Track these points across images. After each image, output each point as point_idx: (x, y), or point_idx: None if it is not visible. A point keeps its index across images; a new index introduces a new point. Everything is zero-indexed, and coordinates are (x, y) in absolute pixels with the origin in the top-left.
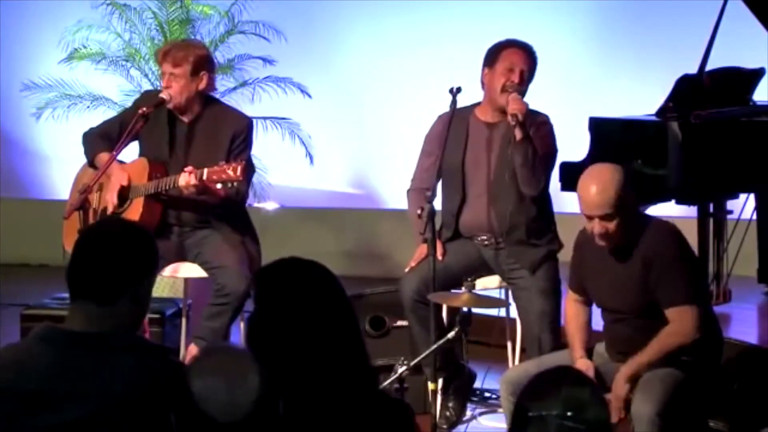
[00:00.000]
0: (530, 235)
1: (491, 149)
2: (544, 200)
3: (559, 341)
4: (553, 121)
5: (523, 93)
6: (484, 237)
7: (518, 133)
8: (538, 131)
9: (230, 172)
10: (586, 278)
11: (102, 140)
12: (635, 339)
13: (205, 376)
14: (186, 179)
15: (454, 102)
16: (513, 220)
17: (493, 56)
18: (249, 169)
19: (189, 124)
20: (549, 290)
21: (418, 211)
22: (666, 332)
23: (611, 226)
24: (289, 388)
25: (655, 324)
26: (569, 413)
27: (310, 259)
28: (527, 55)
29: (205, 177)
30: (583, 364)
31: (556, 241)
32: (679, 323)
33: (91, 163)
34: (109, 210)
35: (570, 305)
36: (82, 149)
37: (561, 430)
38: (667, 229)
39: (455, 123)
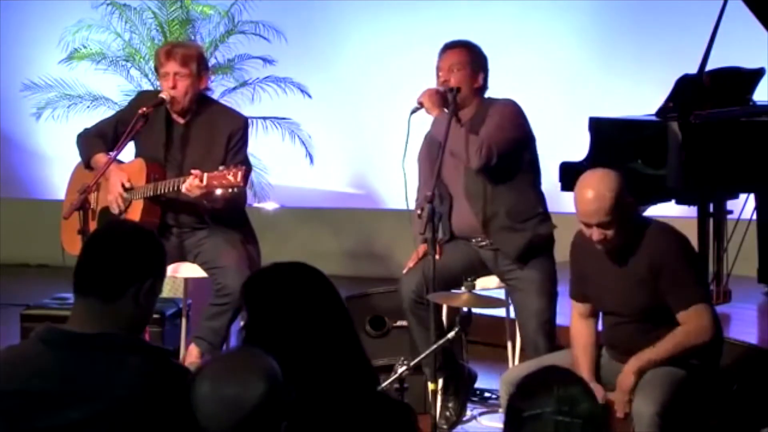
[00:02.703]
0: (512, 218)
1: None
2: (521, 180)
3: (554, 342)
4: (552, 120)
5: (460, 82)
6: (479, 238)
7: (433, 112)
8: (490, 113)
9: (230, 178)
10: (586, 282)
11: (98, 141)
12: (637, 342)
13: (205, 385)
14: (191, 182)
15: (454, 102)
16: (491, 209)
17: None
18: (246, 170)
19: (185, 125)
20: (544, 291)
21: (418, 211)
22: (682, 331)
23: (609, 232)
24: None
25: (656, 327)
26: (564, 409)
27: (296, 262)
28: (455, 50)
29: (205, 182)
30: (595, 388)
31: (546, 224)
32: (695, 323)
33: (87, 164)
34: (115, 209)
35: (575, 322)
36: (76, 150)
37: (559, 426)
38: (672, 233)
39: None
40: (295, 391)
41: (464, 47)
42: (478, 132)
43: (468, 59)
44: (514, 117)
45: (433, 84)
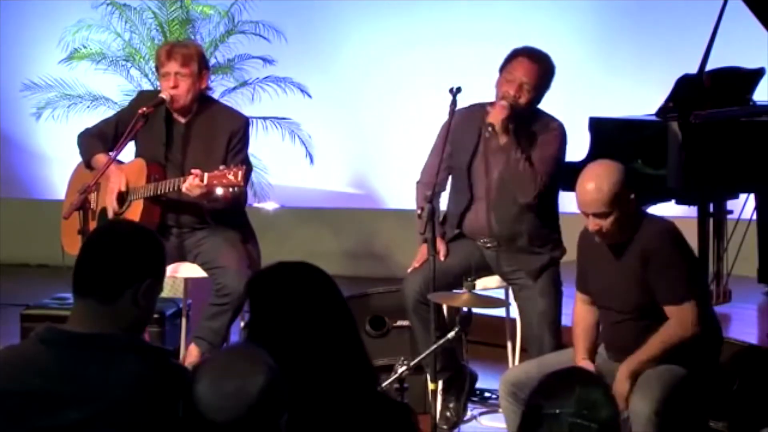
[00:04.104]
0: (532, 242)
1: (496, 154)
2: (548, 207)
3: (560, 341)
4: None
5: (525, 104)
6: (487, 240)
7: (502, 139)
8: (542, 137)
9: (231, 177)
10: (588, 277)
11: (98, 141)
12: (634, 342)
13: (206, 380)
14: (191, 182)
15: (454, 102)
16: (514, 228)
17: (504, 62)
18: (247, 170)
19: (186, 124)
20: (549, 290)
21: (418, 211)
22: (665, 328)
23: (605, 223)
24: (290, 393)
25: (654, 326)
26: (583, 412)
27: (301, 261)
28: (534, 66)
29: (205, 182)
30: (586, 365)
31: (559, 248)
32: (677, 319)
33: (88, 164)
34: (110, 214)
35: (578, 306)
36: (77, 150)
37: (574, 428)
38: (663, 226)
39: (470, 122)
40: (294, 390)
41: (541, 65)
42: (519, 142)
43: (540, 78)
44: (563, 146)
45: (433, 83)
